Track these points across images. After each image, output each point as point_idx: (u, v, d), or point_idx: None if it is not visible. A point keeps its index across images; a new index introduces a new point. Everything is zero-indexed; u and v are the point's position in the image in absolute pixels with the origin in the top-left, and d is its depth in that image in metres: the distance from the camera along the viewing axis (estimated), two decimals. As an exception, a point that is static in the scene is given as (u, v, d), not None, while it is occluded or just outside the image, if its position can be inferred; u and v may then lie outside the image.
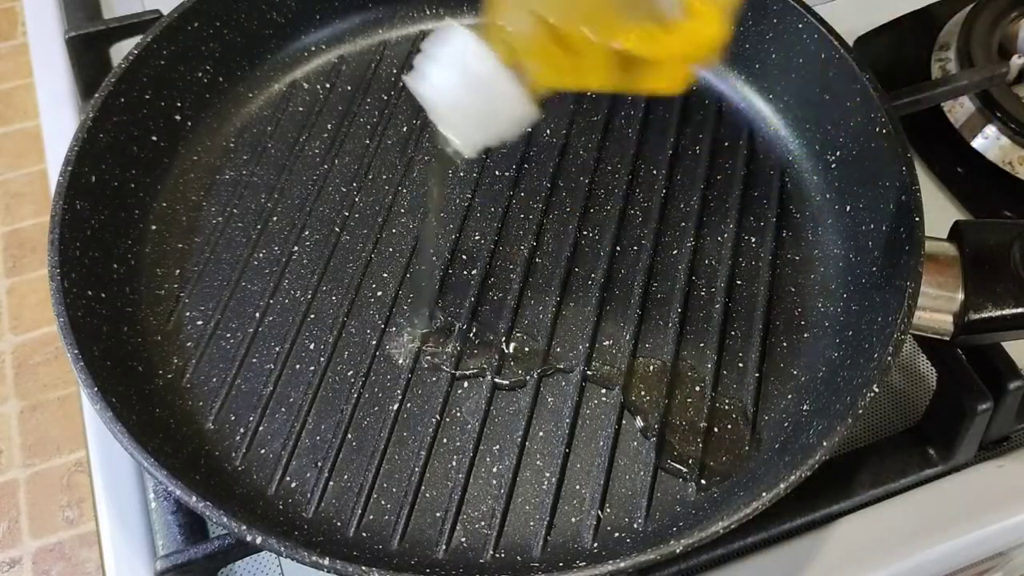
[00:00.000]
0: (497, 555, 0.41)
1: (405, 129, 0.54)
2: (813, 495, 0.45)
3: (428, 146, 0.54)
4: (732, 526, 0.36)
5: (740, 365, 0.46)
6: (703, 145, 0.54)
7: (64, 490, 1.33)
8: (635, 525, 0.41)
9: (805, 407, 0.44)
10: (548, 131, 0.54)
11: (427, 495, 0.42)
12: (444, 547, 0.41)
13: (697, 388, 0.45)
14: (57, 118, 0.61)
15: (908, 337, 0.41)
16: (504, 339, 0.46)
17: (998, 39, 0.60)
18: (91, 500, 0.52)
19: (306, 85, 0.56)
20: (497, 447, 0.43)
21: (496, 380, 0.45)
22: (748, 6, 0.54)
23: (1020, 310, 0.42)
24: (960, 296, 0.42)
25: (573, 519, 0.42)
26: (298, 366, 0.46)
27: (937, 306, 0.42)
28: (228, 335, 0.47)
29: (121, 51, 0.54)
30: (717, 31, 0.36)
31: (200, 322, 0.47)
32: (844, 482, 0.46)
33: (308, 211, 0.51)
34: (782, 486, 0.37)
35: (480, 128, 0.38)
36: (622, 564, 0.36)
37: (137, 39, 0.51)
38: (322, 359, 0.46)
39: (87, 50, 0.58)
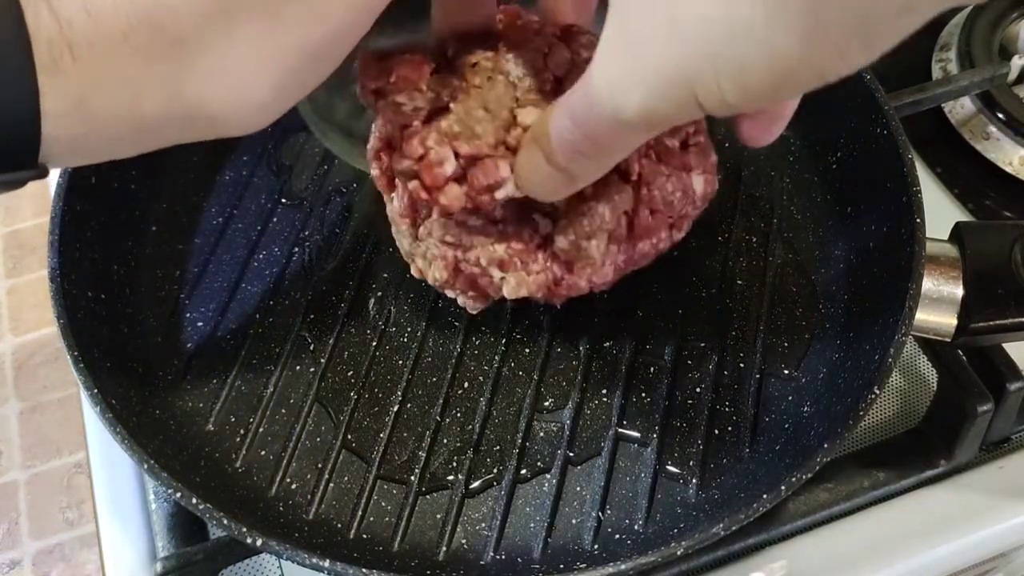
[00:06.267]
0: (498, 557, 0.41)
1: (405, 130, 0.54)
2: (814, 496, 0.45)
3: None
4: (733, 528, 0.36)
5: (741, 366, 0.46)
6: (703, 146, 0.54)
7: (64, 491, 1.33)
8: (635, 527, 0.41)
9: (806, 409, 0.44)
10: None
11: (428, 496, 0.42)
12: (444, 549, 0.41)
13: (698, 390, 0.45)
14: (57, 119, 0.61)
15: (909, 338, 0.41)
16: (504, 340, 0.46)
17: (999, 40, 0.60)
18: (91, 501, 0.51)
19: (306, 86, 0.56)
20: (497, 448, 0.43)
21: (496, 383, 0.45)
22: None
23: (1021, 311, 0.42)
24: (961, 298, 0.42)
25: (573, 521, 0.42)
26: (298, 367, 0.46)
27: (938, 308, 0.42)
28: (228, 336, 0.47)
29: (121, 52, 0.54)
30: None
31: (200, 323, 0.47)
32: (845, 483, 0.46)
33: (309, 211, 0.51)
34: (783, 488, 0.37)
35: None
36: (622, 566, 0.36)
37: (137, 40, 0.51)
38: (322, 360, 0.46)
39: (87, 51, 0.58)
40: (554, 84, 0.37)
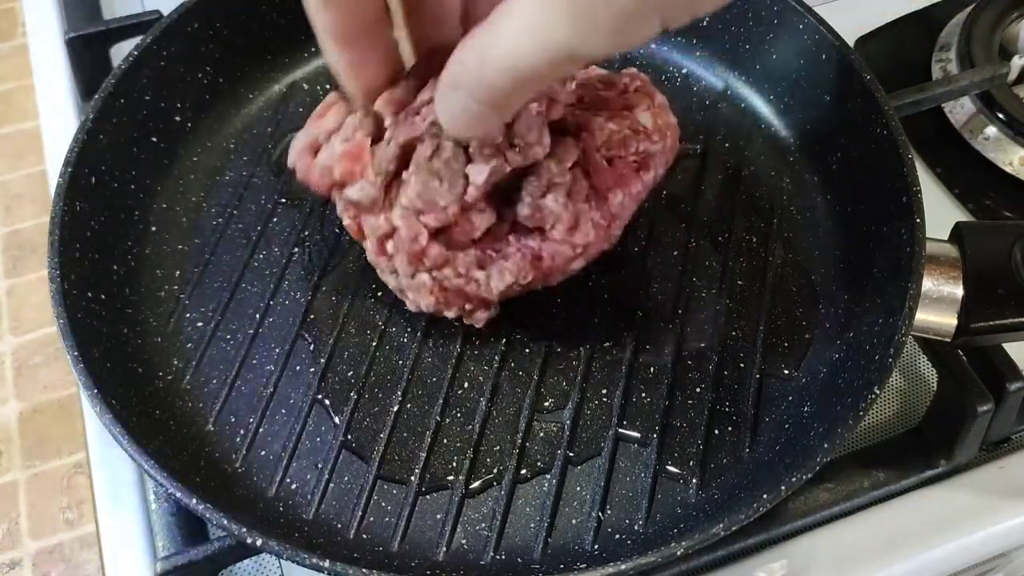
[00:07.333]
0: (498, 557, 0.41)
1: (405, 130, 0.54)
2: (814, 496, 0.45)
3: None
4: (733, 528, 0.36)
5: (741, 366, 0.46)
6: (703, 146, 0.54)
7: (64, 492, 1.33)
8: (635, 527, 0.41)
9: (806, 409, 0.44)
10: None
11: (428, 496, 0.42)
12: (444, 549, 0.41)
13: (698, 390, 0.45)
14: (57, 118, 0.61)
15: (909, 338, 0.41)
16: (504, 340, 0.46)
17: (999, 39, 0.60)
18: (91, 502, 0.52)
19: (306, 85, 0.56)
20: (497, 448, 0.43)
21: (496, 383, 0.45)
22: (749, 7, 0.54)
23: (1021, 311, 0.42)
24: (961, 298, 0.42)
25: (573, 521, 0.42)
26: (298, 367, 0.46)
27: (938, 308, 0.43)
28: (228, 336, 0.47)
29: (121, 51, 0.54)
30: None
31: (200, 323, 0.47)
32: (845, 483, 0.46)
33: (308, 211, 0.51)
34: (783, 488, 0.37)
35: None
36: (623, 566, 0.36)
37: (137, 40, 0.51)
38: (322, 360, 0.46)
39: (87, 51, 0.58)
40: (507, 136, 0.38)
